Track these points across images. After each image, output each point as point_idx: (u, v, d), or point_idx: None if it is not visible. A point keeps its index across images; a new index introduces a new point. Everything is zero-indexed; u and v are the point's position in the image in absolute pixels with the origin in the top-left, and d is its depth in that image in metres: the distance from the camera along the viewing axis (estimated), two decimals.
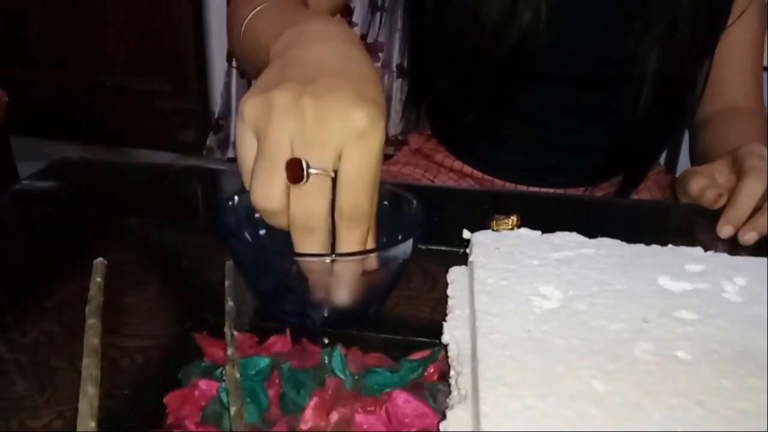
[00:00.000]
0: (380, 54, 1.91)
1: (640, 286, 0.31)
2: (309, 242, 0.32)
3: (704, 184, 0.50)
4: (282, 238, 0.33)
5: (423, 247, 0.41)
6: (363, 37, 1.95)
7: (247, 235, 0.37)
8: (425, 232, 0.34)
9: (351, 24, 1.91)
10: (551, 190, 0.77)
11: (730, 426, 0.23)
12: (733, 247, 0.45)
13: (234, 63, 1.95)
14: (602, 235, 0.38)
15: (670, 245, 0.35)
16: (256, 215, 0.34)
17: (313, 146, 0.31)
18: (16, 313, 0.36)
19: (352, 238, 0.31)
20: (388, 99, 2.01)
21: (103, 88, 2.07)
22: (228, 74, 1.99)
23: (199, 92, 2.07)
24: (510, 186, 0.79)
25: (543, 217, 0.43)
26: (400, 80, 1.90)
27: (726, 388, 0.25)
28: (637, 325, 0.28)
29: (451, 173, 0.82)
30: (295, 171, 0.30)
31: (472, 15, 0.68)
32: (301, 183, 0.30)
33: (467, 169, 0.81)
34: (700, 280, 0.32)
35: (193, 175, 0.59)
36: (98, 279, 0.37)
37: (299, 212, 0.31)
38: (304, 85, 0.31)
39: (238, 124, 0.33)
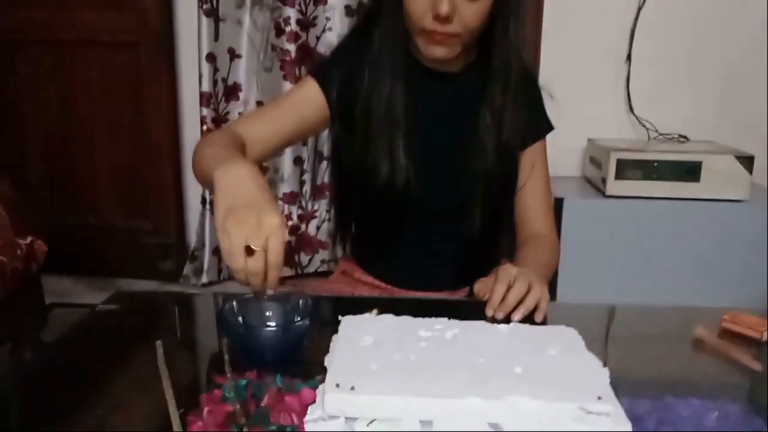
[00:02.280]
0: (327, 192, 2.36)
1: (411, 333, 0.71)
2: (255, 279, 0.70)
3: (479, 287, 0.91)
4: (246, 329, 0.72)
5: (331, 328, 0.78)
6: (314, 179, 2.42)
7: (233, 322, 0.75)
8: (316, 318, 0.73)
9: (302, 171, 2.38)
10: (428, 293, 1.13)
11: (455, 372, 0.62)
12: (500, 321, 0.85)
13: (207, 205, 2.37)
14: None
15: (434, 317, 0.76)
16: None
17: (256, 238, 0.68)
18: (107, 380, 0.73)
19: (274, 275, 0.70)
20: None
21: (94, 228, 2.44)
22: (202, 215, 2.36)
23: (176, 229, 2.45)
24: (404, 291, 1.15)
25: (402, 310, 0.82)
26: None
27: (443, 361, 0.64)
28: (403, 345, 0.67)
29: (366, 286, 1.19)
30: (249, 251, 0.69)
31: (368, 178, 1.03)
32: (252, 256, 0.69)
33: (376, 282, 1.17)
34: (437, 331, 0.71)
35: (191, 299, 0.98)
36: (161, 351, 0.75)
37: (251, 267, 0.69)
38: (247, 208, 0.70)
39: (219, 231, 0.70)
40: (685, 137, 2.18)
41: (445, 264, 1.15)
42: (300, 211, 2.44)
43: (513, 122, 1.05)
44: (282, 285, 0.75)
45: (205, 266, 2.39)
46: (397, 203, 1.06)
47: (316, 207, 2.44)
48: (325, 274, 2.35)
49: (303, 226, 2.45)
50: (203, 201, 2.36)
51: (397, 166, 1.02)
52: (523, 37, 1.03)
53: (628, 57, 2.21)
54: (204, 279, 2.40)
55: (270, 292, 0.74)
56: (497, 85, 1.03)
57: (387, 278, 1.17)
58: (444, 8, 0.90)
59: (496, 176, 1.07)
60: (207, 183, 0.82)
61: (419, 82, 1.05)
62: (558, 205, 1.90)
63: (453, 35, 0.95)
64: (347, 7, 2.25)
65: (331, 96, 1.05)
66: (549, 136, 1.16)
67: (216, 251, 2.40)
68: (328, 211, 2.39)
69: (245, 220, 0.69)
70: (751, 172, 1.88)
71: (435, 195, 1.07)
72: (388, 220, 1.13)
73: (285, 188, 2.39)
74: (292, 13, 2.24)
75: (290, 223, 2.42)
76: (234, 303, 0.75)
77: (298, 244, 2.44)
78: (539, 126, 1.13)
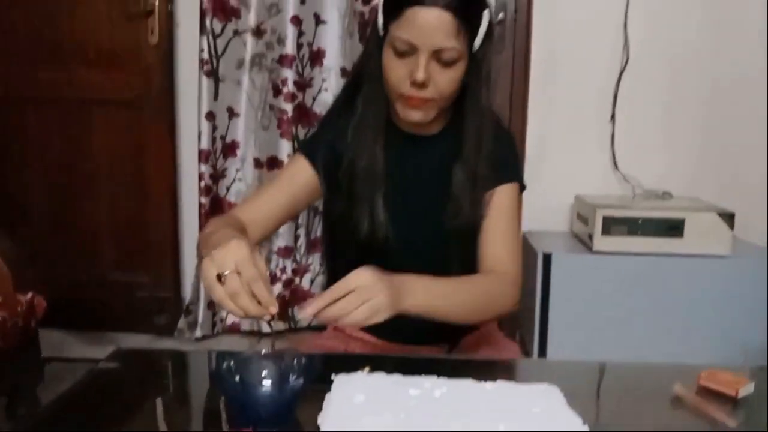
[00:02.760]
0: (320, 246, 2.41)
1: (401, 391, 0.74)
2: (243, 301, 0.77)
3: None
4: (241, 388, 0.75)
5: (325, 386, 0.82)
6: (308, 233, 2.47)
7: (230, 381, 0.79)
8: (310, 376, 0.76)
9: (297, 225, 2.43)
10: (416, 346, 1.17)
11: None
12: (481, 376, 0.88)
13: None
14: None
15: (424, 375, 0.79)
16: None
17: (224, 266, 0.76)
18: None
19: (260, 290, 0.77)
20: None
21: (91, 282, 2.47)
22: (198, 269, 2.43)
23: (173, 283, 2.48)
24: (396, 345, 1.18)
25: (393, 368, 0.85)
26: None
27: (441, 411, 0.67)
28: (394, 403, 0.71)
29: (357, 341, 1.23)
30: (220, 278, 0.76)
31: (351, 234, 1.10)
32: (223, 280, 0.76)
33: (367, 336, 1.21)
34: (426, 390, 0.75)
35: (190, 357, 1.01)
36: (161, 409, 0.78)
37: (229, 290, 0.76)
38: (215, 249, 0.79)
39: (201, 269, 0.79)
40: (669, 193, 2.25)
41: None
42: (294, 265, 2.48)
43: (486, 179, 1.11)
44: (275, 319, 0.80)
45: (200, 320, 2.41)
46: (379, 258, 1.08)
47: (310, 261, 2.48)
48: (319, 329, 2.37)
49: (297, 280, 2.48)
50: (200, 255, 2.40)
51: (377, 223, 1.09)
52: (493, 101, 1.11)
53: (612, 117, 2.30)
54: (198, 333, 2.41)
55: (273, 310, 0.78)
56: (470, 146, 1.09)
57: (375, 332, 1.21)
58: (420, 75, 0.98)
59: (470, 231, 1.12)
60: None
61: (398, 146, 1.12)
62: (546, 260, 1.94)
63: (429, 100, 1.03)
64: (342, 69, 2.34)
65: (318, 164, 1.12)
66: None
67: (210, 305, 2.42)
68: (322, 265, 2.43)
69: (212, 257, 0.79)
70: (732, 228, 1.94)
71: (414, 250, 1.11)
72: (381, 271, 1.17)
73: (280, 242, 2.44)
74: (289, 75, 2.33)
75: (284, 276, 2.46)
76: (231, 362, 0.79)
77: (292, 297, 2.47)
78: (509, 172, 1.15)
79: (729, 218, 1.94)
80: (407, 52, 0.99)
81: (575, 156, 2.32)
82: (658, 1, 2.25)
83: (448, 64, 1.00)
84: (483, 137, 1.09)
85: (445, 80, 1.01)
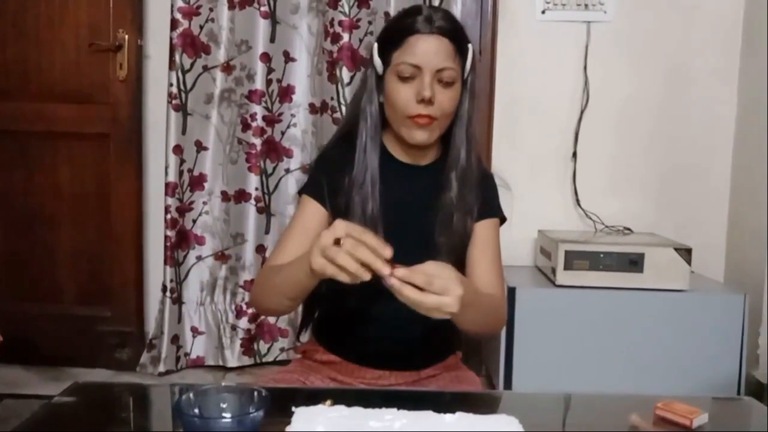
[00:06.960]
0: None
1: (362, 425, 0.74)
2: (359, 252, 0.89)
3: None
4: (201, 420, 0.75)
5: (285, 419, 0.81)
6: None
7: (189, 413, 0.78)
8: (270, 409, 0.76)
9: (263, 259, 2.41)
10: (395, 371, 1.19)
11: None
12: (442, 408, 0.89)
13: (168, 293, 2.37)
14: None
15: (384, 408, 0.80)
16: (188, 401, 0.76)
17: (338, 233, 0.90)
18: None
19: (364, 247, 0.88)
20: None
21: (52, 316, 2.40)
22: (162, 302, 2.36)
23: (136, 317, 2.43)
24: (365, 367, 1.19)
25: (354, 401, 0.85)
26: None
27: None
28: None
29: (324, 366, 1.23)
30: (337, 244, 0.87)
31: None
32: (342, 242, 0.87)
33: (336, 359, 1.22)
34: (387, 422, 0.76)
35: (149, 390, 1.00)
36: None
37: (346, 247, 0.89)
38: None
39: (316, 243, 0.92)
40: (629, 229, 2.31)
41: (412, 343, 1.20)
42: None
43: (467, 207, 1.19)
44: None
45: (163, 355, 2.36)
46: (368, 282, 1.09)
47: None
48: (284, 363, 2.35)
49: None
50: (164, 288, 2.37)
51: None
52: (475, 135, 1.21)
53: (574, 155, 2.37)
54: (161, 368, 2.36)
55: (388, 253, 0.91)
56: (454, 175, 1.19)
57: (348, 356, 1.22)
58: (427, 92, 1.10)
59: (453, 257, 1.15)
60: (292, 285, 1.04)
61: (393, 174, 1.20)
62: (511, 294, 1.97)
63: (434, 119, 1.13)
64: (311, 105, 2.38)
65: (324, 199, 1.18)
66: (503, 228, 1.27)
67: (174, 340, 2.38)
68: None
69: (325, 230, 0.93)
70: (689, 264, 2.00)
71: None
72: (359, 299, 1.18)
73: (246, 276, 2.42)
74: (258, 110, 2.36)
75: (250, 310, 2.44)
76: (190, 394, 0.78)
77: (258, 331, 2.44)
78: (492, 208, 1.26)
79: (686, 253, 2.00)
80: (412, 75, 1.11)
81: (538, 193, 2.37)
82: (617, 44, 2.35)
83: (448, 84, 1.12)
84: (469, 168, 1.19)
85: (446, 99, 1.13)
